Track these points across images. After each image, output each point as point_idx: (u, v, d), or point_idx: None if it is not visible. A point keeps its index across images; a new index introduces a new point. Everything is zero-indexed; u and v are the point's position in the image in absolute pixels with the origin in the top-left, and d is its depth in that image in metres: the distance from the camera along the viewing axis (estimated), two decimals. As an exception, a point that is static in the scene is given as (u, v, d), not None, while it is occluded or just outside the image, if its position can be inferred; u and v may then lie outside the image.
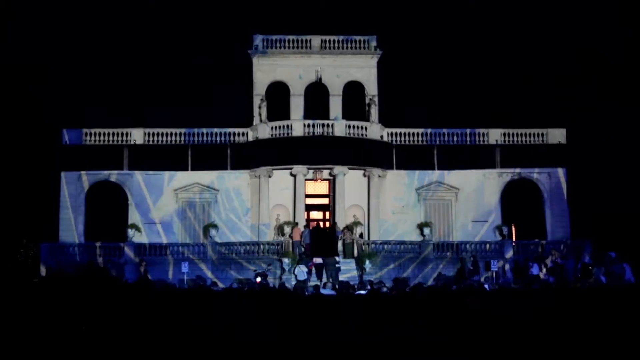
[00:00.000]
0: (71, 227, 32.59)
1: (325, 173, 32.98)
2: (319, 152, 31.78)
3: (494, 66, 38.26)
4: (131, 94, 38.15)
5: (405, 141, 33.67)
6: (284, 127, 32.34)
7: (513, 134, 33.92)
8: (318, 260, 28.69)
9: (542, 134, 33.79)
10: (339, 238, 30.74)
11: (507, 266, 28.74)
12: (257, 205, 32.67)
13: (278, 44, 34.40)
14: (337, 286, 24.35)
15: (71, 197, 32.81)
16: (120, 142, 33.15)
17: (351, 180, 32.52)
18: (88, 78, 39.07)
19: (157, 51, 39.50)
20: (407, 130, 33.72)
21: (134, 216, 32.65)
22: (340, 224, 31.29)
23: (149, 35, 39.21)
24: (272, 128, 32.47)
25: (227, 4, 41.00)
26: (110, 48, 39.49)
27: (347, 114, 33.61)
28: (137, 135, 33.25)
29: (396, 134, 33.72)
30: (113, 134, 33.37)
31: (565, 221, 33.23)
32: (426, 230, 31.74)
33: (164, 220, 32.87)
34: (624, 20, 33.94)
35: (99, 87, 38.93)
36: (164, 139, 33.32)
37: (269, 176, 32.57)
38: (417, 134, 33.78)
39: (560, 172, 33.55)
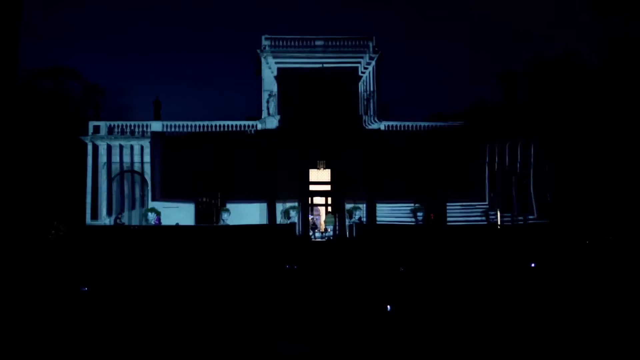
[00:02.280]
0: (96, 211, 35.85)
1: (329, 162, 36.03)
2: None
3: (490, 63, 40.81)
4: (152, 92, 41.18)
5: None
6: (289, 120, 35.60)
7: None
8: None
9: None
10: None
11: None
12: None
13: (284, 44, 37.29)
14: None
15: (96, 183, 36.01)
16: (141, 134, 36.34)
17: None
18: (112, 76, 42.21)
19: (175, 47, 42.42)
20: (401, 123, 36.74)
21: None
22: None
23: (169, 33, 42.18)
24: (278, 121, 35.74)
25: (241, 6, 43.94)
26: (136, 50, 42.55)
27: (348, 108, 36.56)
28: (156, 127, 36.45)
29: (391, 126, 36.71)
30: (135, 125, 36.55)
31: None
32: (419, 214, 34.70)
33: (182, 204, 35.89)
34: (605, 20, 36.28)
35: (123, 85, 42.09)
36: (181, 130, 36.44)
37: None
38: (409, 126, 36.81)
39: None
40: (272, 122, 35.83)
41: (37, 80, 39.99)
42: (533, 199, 34.69)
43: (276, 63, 36.88)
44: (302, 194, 34.91)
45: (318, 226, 35.58)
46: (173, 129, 36.42)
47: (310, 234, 34.03)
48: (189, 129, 36.37)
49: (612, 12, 35.97)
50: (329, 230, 34.42)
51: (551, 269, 22.58)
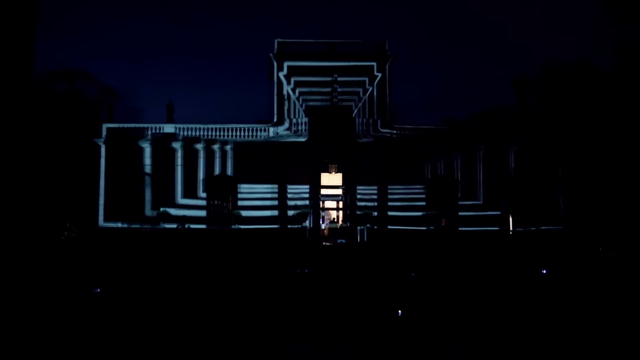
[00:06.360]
0: (109, 213, 36.08)
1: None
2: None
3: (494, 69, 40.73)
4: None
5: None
6: (301, 123, 35.57)
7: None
8: None
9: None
10: None
11: None
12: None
13: (297, 48, 37.26)
14: None
15: (109, 188, 36.19)
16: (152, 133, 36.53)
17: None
18: (125, 79, 42.51)
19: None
20: (411, 127, 36.71)
21: (164, 203, 35.88)
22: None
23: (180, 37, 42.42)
24: (291, 124, 35.81)
25: (253, 10, 44.18)
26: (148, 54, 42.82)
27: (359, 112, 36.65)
28: (168, 129, 36.62)
29: (402, 129, 36.72)
30: (147, 129, 36.73)
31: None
32: (432, 220, 34.76)
33: (197, 203, 35.96)
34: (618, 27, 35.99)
35: (136, 87, 42.36)
36: (192, 133, 36.59)
37: (288, 167, 35.79)
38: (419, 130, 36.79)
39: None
40: (283, 126, 35.95)
41: (52, 82, 40.30)
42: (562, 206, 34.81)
43: (288, 67, 36.90)
44: (313, 198, 34.93)
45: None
46: (186, 132, 36.61)
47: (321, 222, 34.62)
48: (201, 132, 36.53)
49: (626, 17, 35.71)
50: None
51: (563, 276, 22.45)
